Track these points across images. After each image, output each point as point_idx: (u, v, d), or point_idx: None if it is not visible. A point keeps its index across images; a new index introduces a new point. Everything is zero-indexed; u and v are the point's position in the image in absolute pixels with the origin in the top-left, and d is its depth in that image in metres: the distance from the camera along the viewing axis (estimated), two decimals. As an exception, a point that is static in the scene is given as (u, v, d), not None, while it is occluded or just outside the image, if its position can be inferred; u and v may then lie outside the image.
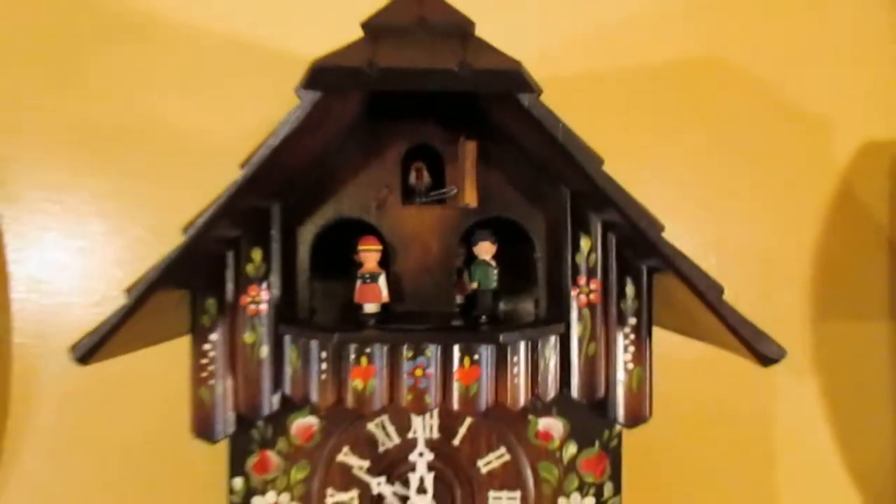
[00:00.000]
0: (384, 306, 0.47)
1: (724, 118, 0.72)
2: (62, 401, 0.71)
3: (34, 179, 0.72)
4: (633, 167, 0.68)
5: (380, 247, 0.47)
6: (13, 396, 0.72)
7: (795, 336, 0.72)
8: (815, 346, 0.72)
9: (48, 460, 0.71)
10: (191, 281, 0.47)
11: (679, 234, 0.68)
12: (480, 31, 0.42)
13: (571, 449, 0.50)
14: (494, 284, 0.48)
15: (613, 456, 0.50)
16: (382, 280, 0.46)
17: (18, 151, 0.71)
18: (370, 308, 0.46)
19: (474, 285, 0.48)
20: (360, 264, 0.47)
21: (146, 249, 0.71)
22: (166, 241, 0.44)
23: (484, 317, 0.48)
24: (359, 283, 0.46)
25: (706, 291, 0.41)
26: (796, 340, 0.72)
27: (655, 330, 0.67)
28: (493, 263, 0.48)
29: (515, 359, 0.45)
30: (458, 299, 0.51)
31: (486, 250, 0.47)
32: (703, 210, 0.72)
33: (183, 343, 0.63)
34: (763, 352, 0.41)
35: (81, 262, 0.71)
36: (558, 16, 0.71)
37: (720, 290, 0.42)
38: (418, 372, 0.43)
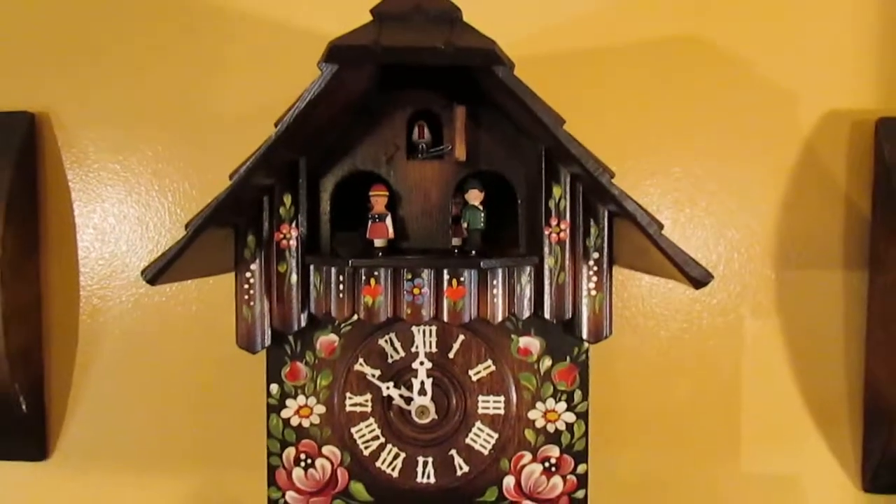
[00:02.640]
0: (390, 241, 0.58)
1: (698, 92, 0.79)
2: (123, 334, 0.83)
3: (97, 144, 0.83)
4: (611, 137, 0.79)
5: (387, 193, 0.57)
6: (81, 332, 0.84)
7: (760, 283, 0.80)
8: (777, 292, 0.80)
9: (112, 387, 0.83)
10: (235, 221, 0.59)
11: (656, 197, 0.79)
12: (474, 16, 0.52)
13: (547, 362, 0.60)
14: (482, 225, 0.57)
15: (582, 368, 0.61)
16: (388, 220, 0.57)
17: (83, 120, 0.83)
18: (379, 243, 0.57)
19: (465, 225, 0.58)
20: (372, 207, 0.58)
21: (193, 203, 0.81)
22: (210, 195, 0.54)
23: (474, 251, 0.58)
24: (370, 222, 0.57)
25: (647, 226, 0.51)
26: (760, 286, 0.80)
27: (631, 274, 0.77)
28: (481, 208, 0.57)
29: (495, 282, 0.55)
30: (456, 241, 0.61)
31: (475, 197, 0.57)
32: (676, 173, 0.80)
33: (219, 284, 0.76)
34: (693, 275, 0.51)
35: (138, 213, 0.83)
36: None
37: (660, 225, 0.52)
38: (416, 291, 0.54)
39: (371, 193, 0.57)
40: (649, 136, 0.80)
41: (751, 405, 0.81)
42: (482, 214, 0.57)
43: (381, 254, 0.57)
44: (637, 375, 0.80)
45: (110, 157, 0.83)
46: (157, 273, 0.54)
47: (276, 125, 0.52)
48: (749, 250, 0.80)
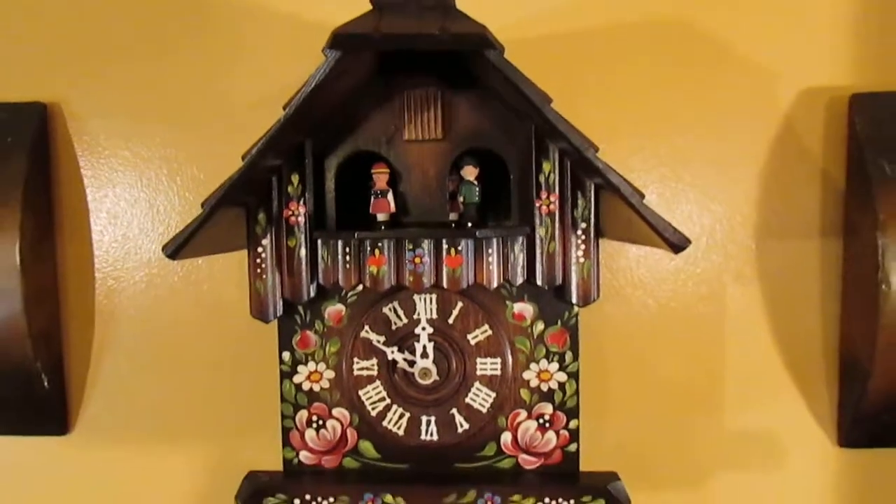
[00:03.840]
0: (392, 216, 0.62)
1: (682, 72, 0.83)
2: (138, 313, 0.87)
3: (107, 132, 0.86)
4: (599, 116, 0.83)
5: (388, 170, 0.62)
6: (98, 312, 0.88)
7: (742, 252, 0.85)
8: (757, 260, 0.85)
9: (129, 363, 0.87)
10: (246, 200, 0.63)
11: (643, 173, 0.83)
12: (466, 2, 0.56)
13: (540, 326, 0.65)
14: (477, 199, 0.62)
15: (573, 331, 0.65)
16: (390, 196, 0.61)
17: (94, 110, 0.86)
18: (381, 217, 0.61)
19: (461, 199, 0.62)
20: (374, 184, 0.62)
21: (201, 186, 0.85)
22: (217, 179, 0.59)
23: (470, 223, 0.62)
24: (372, 198, 0.61)
25: (630, 196, 0.55)
26: (742, 255, 0.85)
27: (620, 245, 0.81)
28: (476, 183, 0.62)
29: (490, 251, 0.60)
30: (453, 216, 0.65)
31: (469, 172, 0.62)
32: (662, 150, 0.84)
33: (228, 264, 0.79)
34: (672, 240, 0.55)
35: (148, 197, 0.87)
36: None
37: (641, 195, 0.56)
38: (417, 260, 0.59)
39: (373, 171, 0.61)
40: (636, 114, 0.83)
41: (733, 367, 0.85)
42: (477, 189, 0.62)
43: (383, 227, 0.61)
44: (626, 341, 0.85)
45: (121, 144, 0.86)
46: (178, 248, 0.58)
47: (284, 108, 0.56)
48: (731, 221, 0.85)
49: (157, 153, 0.86)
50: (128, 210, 0.87)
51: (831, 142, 0.83)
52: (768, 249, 0.85)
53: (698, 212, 0.85)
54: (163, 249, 0.58)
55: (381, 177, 0.61)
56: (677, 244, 0.55)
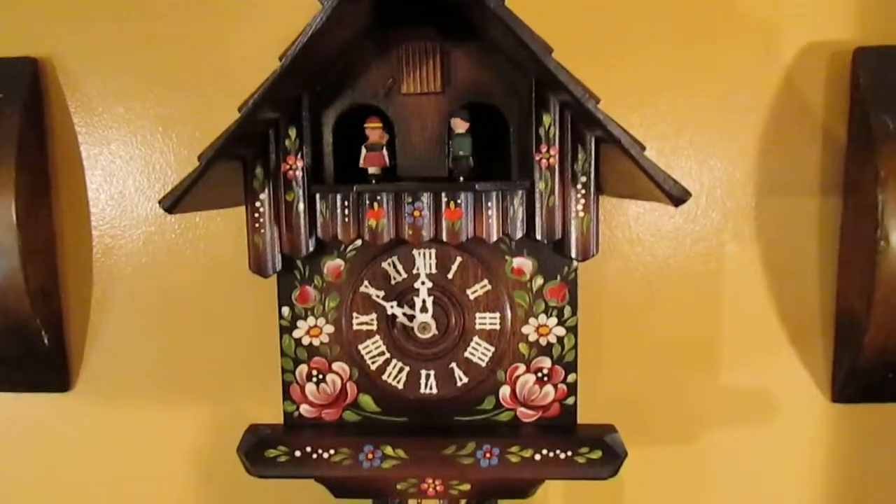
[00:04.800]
0: (391, 170, 0.62)
1: (682, 27, 0.82)
2: (135, 271, 0.87)
3: (100, 89, 0.85)
4: (598, 72, 0.81)
5: (381, 125, 0.61)
6: (95, 270, 0.88)
7: (740, 209, 0.85)
8: (756, 218, 0.85)
9: (128, 320, 0.88)
10: (243, 153, 0.62)
11: (642, 129, 0.82)
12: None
13: (539, 281, 0.65)
14: (468, 151, 0.60)
15: (571, 286, 0.65)
16: (384, 150, 0.61)
17: (86, 66, 0.85)
18: (373, 170, 0.61)
19: (459, 153, 0.60)
20: (368, 138, 0.61)
21: (197, 143, 0.84)
22: (213, 135, 0.57)
23: (462, 177, 0.61)
24: (364, 151, 0.61)
25: (630, 147, 0.55)
26: (741, 213, 0.85)
27: (618, 202, 0.81)
28: (467, 135, 0.60)
29: (489, 204, 0.59)
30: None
31: (460, 125, 0.60)
32: (662, 106, 0.83)
33: (225, 221, 0.79)
34: (673, 193, 0.55)
35: (143, 155, 0.86)
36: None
37: (642, 147, 0.56)
38: (416, 213, 0.58)
39: (366, 125, 0.61)
40: (635, 71, 0.83)
41: (730, 324, 0.86)
42: (468, 142, 0.60)
43: (375, 181, 0.60)
44: (623, 297, 0.85)
45: (115, 101, 0.86)
46: (175, 202, 0.58)
47: (280, 59, 0.55)
48: (730, 179, 0.84)
49: (153, 111, 0.85)
50: (123, 168, 0.87)
51: (833, 97, 0.83)
52: (767, 206, 0.84)
53: (697, 168, 0.85)
54: (160, 203, 0.58)
55: (374, 131, 0.60)
56: (677, 196, 0.55)
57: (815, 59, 0.83)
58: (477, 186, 0.57)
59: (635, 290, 0.85)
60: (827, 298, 0.85)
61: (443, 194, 0.58)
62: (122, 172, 0.87)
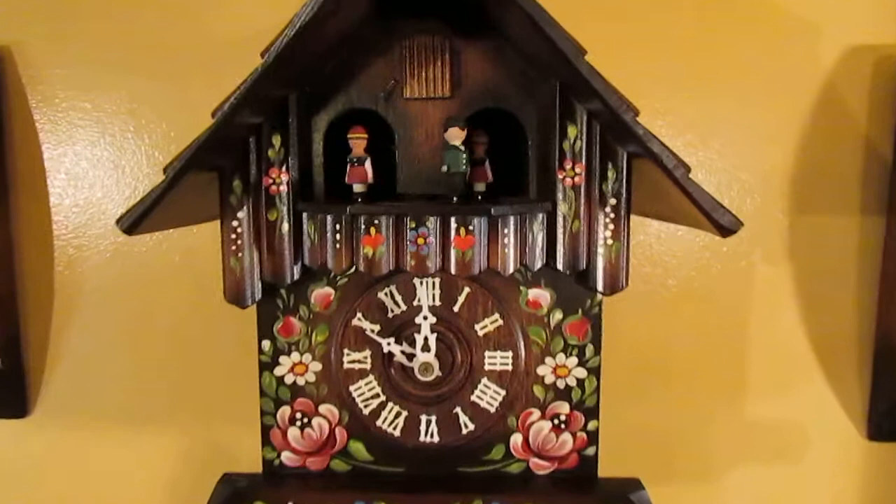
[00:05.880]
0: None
1: (714, 27, 0.75)
2: (102, 286, 0.79)
3: (66, 81, 0.77)
4: (621, 73, 0.73)
5: (366, 135, 0.52)
6: (57, 284, 0.80)
7: (773, 228, 0.77)
8: (789, 237, 0.77)
9: (92, 342, 0.80)
10: (219, 164, 0.53)
11: (667, 139, 0.74)
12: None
13: (558, 315, 0.57)
14: (464, 168, 0.51)
15: (595, 321, 0.57)
16: (368, 164, 0.51)
17: (50, 56, 0.76)
18: (358, 188, 0.51)
19: (444, 169, 0.51)
20: (351, 150, 0.52)
21: (172, 145, 0.76)
22: (190, 137, 0.49)
23: (455, 197, 0.51)
24: (348, 166, 0.52)
25: (674, 169, 0.47)
26: (773, 232, 0.77)
27: (639, 219, 0.73)
28: (462, 148, 0.51)
29: (506, 230, 0.51)
30: (480, 187, 0.54)
31: (454, 136, 0.50)
32: (690, 113, 0.76)
33: (204, 233, 0.71)
34: (721, 222, 0.47)
35: (112, 157, 0.77)
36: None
37: (687, 168, 0.48)
38: (420, 240, 0.50)
39: (349, 136, 0.52)
40: (662, 73, 0.75)
41: (760, 354, 0.79)
42: (464, 156, 0.51)
43: (360, 200, 0.51)
44: (645, 326, 0.78)
45: (80, 95, 0.78)
46: (135, 222, 0.50)
47: (262, 56, 0.46)
48: (763, 194, 0.77)
49: (123, 106, 0.78)
50: (90, 171, 0.79)
51: (877, 107, 0.77)
52: (802, 225, 0.78)
53: (727, 182, 0.78)
54: (117, 223, 0.50)
55: (358, 143, 0.51)
56: (727, 227, 0.47)
57: (859, 64, 0.76)
58: (493, 210, 0.49)
59: (656, 317, 0.78)
60: (865, 326, 0.79)
61: (452, 219, 0.49)
62: (88, 176, 0.79)
